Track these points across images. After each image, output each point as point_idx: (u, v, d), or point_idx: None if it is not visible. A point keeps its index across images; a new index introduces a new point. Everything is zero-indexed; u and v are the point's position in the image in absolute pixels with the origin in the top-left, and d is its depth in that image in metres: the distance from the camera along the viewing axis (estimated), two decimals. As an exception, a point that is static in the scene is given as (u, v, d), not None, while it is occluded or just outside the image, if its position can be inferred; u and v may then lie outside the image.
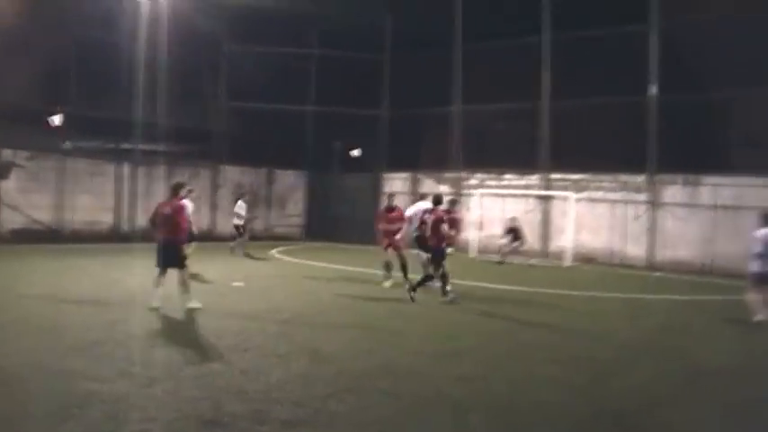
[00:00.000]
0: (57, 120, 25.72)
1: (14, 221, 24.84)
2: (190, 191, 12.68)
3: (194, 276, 13.93)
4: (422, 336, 10.67)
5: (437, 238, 13.99)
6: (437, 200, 14.77)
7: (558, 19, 26.32)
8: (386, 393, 7.30)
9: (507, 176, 28.58)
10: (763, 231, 13.20)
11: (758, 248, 13.07)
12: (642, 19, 24.47)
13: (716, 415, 7.16)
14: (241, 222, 23.17)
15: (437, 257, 13.96)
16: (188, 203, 12.35)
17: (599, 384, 8.15)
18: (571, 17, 24.93)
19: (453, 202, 17.86)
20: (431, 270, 14.05)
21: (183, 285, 11.72)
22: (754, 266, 13.15)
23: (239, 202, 23.57)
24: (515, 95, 27.10)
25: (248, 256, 22.47)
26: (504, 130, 29.64)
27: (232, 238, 23.64)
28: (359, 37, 30.61)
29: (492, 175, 28.96)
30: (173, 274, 11.76)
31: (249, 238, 23.82)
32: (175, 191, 12.27)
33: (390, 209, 16.24)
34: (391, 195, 17.00)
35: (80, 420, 6.09)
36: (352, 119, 31.84)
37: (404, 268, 15.52)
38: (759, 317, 13.06)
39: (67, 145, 26.01)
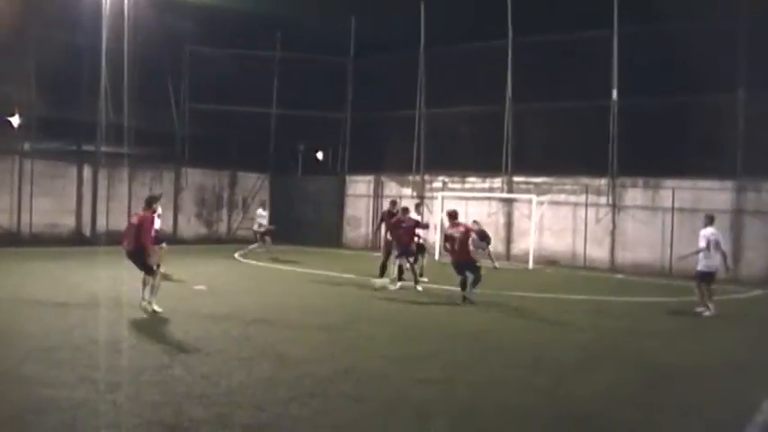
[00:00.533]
0: (15, 121, 25.29)
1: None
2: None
3: (166, 277, 13.87)
4: (388, 339, 10.64)
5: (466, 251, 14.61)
6: (453, 215, 15.30)
7: (522, 23, 26.51)
8: (350, 397, 7.26)
9: (470, 179, 28.72)
10: (706, 231, 13.93)
11: (703, 247, 13.79)
12: (605, 25, 24.74)
13: (677, 416, 7.24)
14: (263, 229, 23.96)
15: (466, 269, 14.56)
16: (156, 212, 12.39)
17: (563, 387, 8.18)
18: (535, 22, 25.13)
19: (415, 207, 18.03)
20: (475, 276, 14.55)
21: (153, 289, 11.77)
22: (700, 265, 14.00)
23: (259, 210, 24.45)
24: (479, 99, 27.24)
25: (275, 260, 22.95)
26: (468, 133, 29.75)
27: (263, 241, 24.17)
28: (323, 40, 30.53)
29: (455, 178, 29.09)
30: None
31: (216, 242, 23.92)
32: (149, 204, 12.30)
33: (391, 215, 16.91)
34: (393, 202, 17.61)
35: (35, 428, 5.96)
36: (315, 121, 31.84)
37: (399, 271, 16.42)
38: (705, 312, 13.81)
39: (27, 147, 25.52)
